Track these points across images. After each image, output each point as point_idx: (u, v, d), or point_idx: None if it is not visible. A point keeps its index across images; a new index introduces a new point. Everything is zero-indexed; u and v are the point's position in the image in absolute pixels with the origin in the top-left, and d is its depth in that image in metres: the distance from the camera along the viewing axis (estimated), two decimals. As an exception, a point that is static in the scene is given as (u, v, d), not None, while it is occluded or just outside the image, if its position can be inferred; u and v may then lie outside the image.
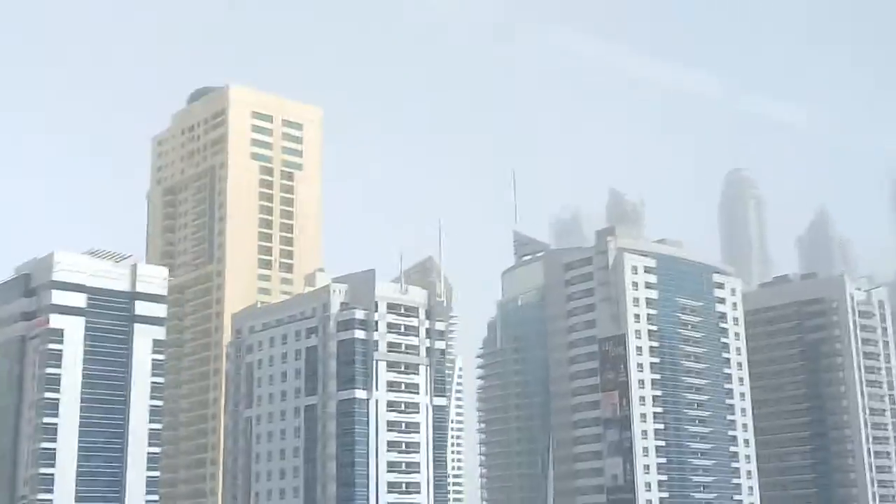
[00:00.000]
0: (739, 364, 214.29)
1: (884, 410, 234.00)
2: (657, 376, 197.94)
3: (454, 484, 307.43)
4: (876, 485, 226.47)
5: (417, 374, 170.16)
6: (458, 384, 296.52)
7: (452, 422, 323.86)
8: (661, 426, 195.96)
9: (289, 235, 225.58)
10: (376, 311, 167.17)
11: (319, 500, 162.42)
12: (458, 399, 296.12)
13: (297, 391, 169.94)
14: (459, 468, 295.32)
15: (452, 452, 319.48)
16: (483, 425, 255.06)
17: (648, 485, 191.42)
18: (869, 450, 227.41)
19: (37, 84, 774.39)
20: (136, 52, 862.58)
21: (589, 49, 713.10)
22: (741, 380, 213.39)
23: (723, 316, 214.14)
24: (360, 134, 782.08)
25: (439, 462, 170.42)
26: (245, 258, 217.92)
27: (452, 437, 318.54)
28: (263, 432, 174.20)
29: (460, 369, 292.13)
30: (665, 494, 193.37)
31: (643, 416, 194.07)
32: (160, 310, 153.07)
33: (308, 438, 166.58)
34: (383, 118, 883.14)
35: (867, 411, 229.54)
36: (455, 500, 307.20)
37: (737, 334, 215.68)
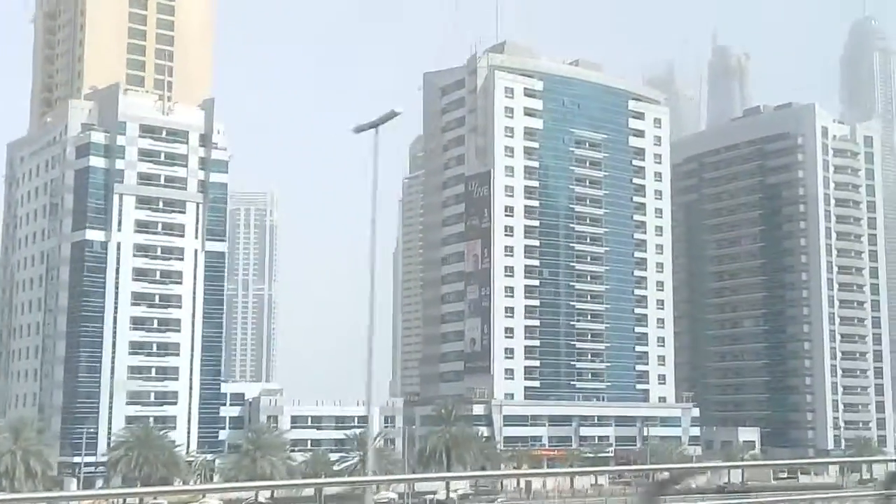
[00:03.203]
0: (658, 211, 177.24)
1: (860, 269, 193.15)
2: (534, 223, 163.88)
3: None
4: (839, 356, 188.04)
5: (183, 212, 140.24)
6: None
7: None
8: (535, 283, 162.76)
9: (167, 64, 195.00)
10: (124, 133, 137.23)
11: (51, 360, 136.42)
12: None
13: (43, 233, 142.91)
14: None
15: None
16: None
17: (511, 351, 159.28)
18: (832, 315, 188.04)
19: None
20: None
21: None
22: (659, 229, 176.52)
23: (639, 152, 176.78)
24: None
25: (212, 320, 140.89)
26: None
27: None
28: (21, 280, 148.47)
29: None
30: (535, 363, 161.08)
31: (509, 269, 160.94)
32: None
33: (49, 288, 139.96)
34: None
35: (834, 269, 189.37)
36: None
37: (658, 175, 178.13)
